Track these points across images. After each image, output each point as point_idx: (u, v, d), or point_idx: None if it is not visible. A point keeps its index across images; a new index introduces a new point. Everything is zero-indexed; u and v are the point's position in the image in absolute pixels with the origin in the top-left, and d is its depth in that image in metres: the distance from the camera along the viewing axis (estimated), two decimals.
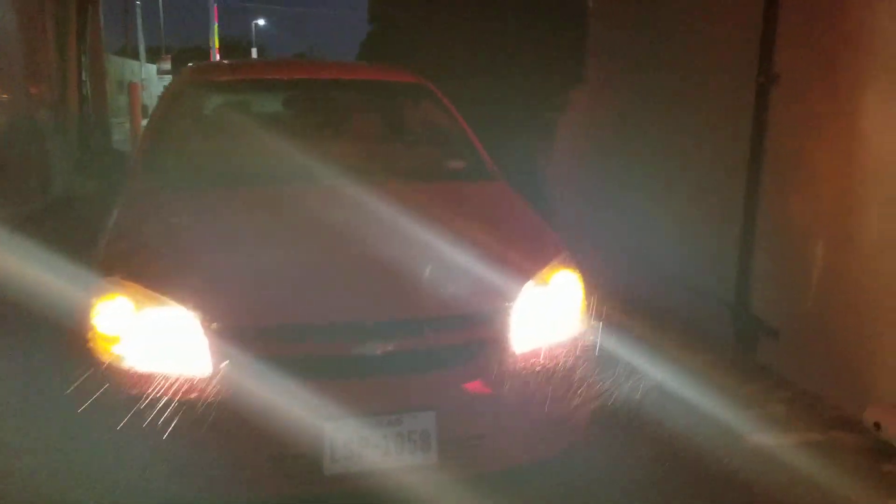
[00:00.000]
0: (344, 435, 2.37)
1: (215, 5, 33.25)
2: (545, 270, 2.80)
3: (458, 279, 2.62)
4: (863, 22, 3.35)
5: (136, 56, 29.39)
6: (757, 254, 4.08)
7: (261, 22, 54.57)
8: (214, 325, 2.40)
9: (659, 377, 3.37)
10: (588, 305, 2.90)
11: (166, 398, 2.32)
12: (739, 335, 4.18)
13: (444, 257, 2.69)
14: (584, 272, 2.87)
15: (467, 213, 3.20)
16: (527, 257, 2.83)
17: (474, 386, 2.52)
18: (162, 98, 3.98)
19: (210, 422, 2.34)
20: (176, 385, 2.36)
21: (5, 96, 7.42)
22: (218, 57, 31.86)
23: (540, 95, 6.37)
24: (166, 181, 3.29)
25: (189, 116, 3.90)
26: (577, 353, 2.74)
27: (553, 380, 2.64)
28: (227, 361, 2.39)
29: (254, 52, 47.53)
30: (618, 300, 4.49)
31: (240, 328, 2.42)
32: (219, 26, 34.31)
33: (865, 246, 3.35)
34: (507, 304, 2.63)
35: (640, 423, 3.15)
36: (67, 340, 2.50)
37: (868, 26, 3.32)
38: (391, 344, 2.45)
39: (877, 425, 3.11)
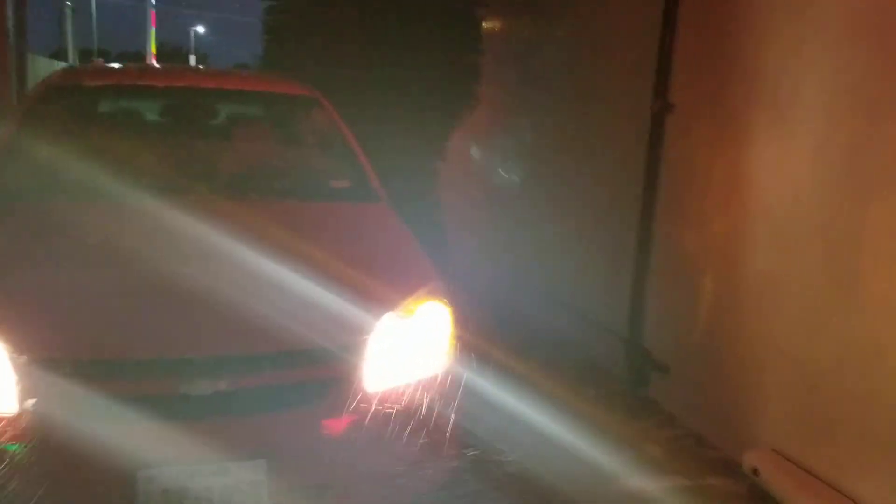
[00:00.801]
0: (160, 485, 2.11)
1: (153, 11, 32.44)
2: (409, 301, 2.60)
3: (307, 310, 2.40)
4: (752, 51, 3.28)
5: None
6: (649, 287, 3.98)
7: (200, 29, 53.28)
8: (22, 357, 2.12)
9: (536, 418, 3.19)
10: (462, 340, 2.72)
11: None
12: (632, 370, 4.07)
13: (297, 286, 2.46)
14: (471, 302, 2.69)
15: (337, 236, 2.98)
16: (391, 287, 2.63)
17: (316, 430, 2.30)
18: (22, 101, 3.66)
19: (12, 466, 2.07)
20: None
21: None
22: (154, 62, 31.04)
23: (437, 117, 6.23)
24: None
25: (50, 121, 3.58)
26: (442, 392, 2.55)
27: (411, 422, 2.44)
28: (34, 399, 2.12)
29: (191, 60, 46.54)
30: (511, 332, 4.40)
31: (51, 361, 2.14)
32: (159, 32, 33.47)
33: (751, 283, 3.27)
34: (360, 338, 2.42)
35: (507, 467, 2.96)
36: None
37: (755, 56, 3.26)
38: (221, 383, 2.21)
39: (755, 471, 3.00)
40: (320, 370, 2.35)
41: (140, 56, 35.46)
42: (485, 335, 3.85)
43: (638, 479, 3.01)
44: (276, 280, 2.45)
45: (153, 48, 32.69)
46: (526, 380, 3.50)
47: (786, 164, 3.10)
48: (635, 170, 3.97)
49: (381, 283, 2.62)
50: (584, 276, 4.66)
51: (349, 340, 2.40)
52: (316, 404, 2.30)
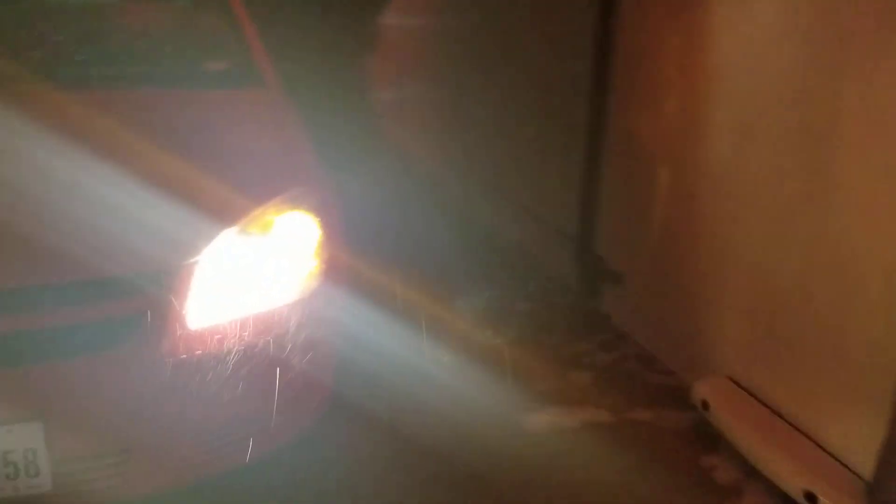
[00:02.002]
0: None
1: None
2: (259, 213, 2.06)
3: (120, 229, 1.86)
4: None
5: None
6: (603, 183, 3.40)
7: None
8: None
9: (449, 347, 2.68)
10: (341, 258, 2.20)
11: None
12: (582, 279, 3.54)
13: (115, 197, 1.91)
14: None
15: (190, 133, 2.38)
16: (240, 195, 2.07)
17: (111, 382, 1.80)
18: None
19: None
20: None
21: None
22: None
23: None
24: None
25: None
26: (299, 322, 2.04)
27: (250, 364, 1.94)
28: None
29: None
30: (442, 238, 3.89)
31: None
32: None
33: (711, 179, 2.68)
34: (183, 261, 1.89)
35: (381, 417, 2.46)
36: None
37: None
38: None
39: (704, 404, 2.51)
40: (122, 304, 1.83)
41: None
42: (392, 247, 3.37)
43: (557, 413, 2.52)
44: (88, 191, 1.92)
45: None
46: (443, 299, 2.99)
47: (751, 33, 2.46)
48: (584, 45, 3.31)
49: (227, 191, 2.07)
50: (532, 170, 4.07)
51: (167, 265, 1.88)
52: (113, 349, 1.79)
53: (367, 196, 3.86)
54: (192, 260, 1.90)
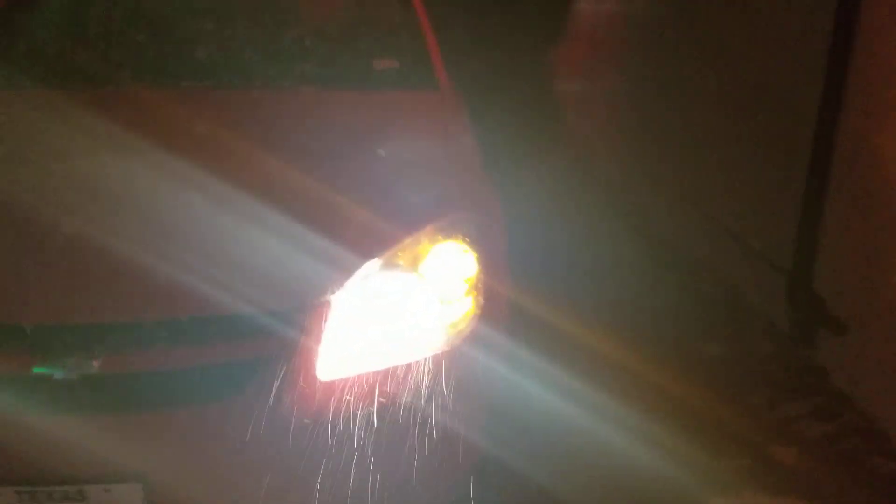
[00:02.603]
0: None
1: None
2: (409, 243, 1.74)
3: (238, 256, 1.63)
4: None
5: None
6: (829, 204, 2.78)
7: None
8: None
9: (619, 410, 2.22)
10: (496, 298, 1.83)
11: None
12: (794, 319, 2.94)
13: (237, 219, 1.69)
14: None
15: (344, 142, 2.11)
16: (390, 219, 1.77)
17: (223, 438, 1.54)
18: None
19: None
20: None
21: None
22: None
23: None
24: None
25: None
26: (450, 375, 1.70)
27: (389, 426, 1.63)
28: None
29: None
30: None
31: None
32: None
33: None
34: (314, 299, 1.61)
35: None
36: None
37: None
38: (87, 362, 1.50)
39: None
40: (240, 347, 1.57)
41: None
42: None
43: (752, 500, 2.01)
44: (208, 211, 1.70)
45: None
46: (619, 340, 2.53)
47: None
48: (815, 36, 2.71)
49: (373, 215, 1.77)
50: (737, 182, 3.47)
51: (296, 303, 1.60)
52: (227, 399, 1.54)
53: (540, 213, 3.46)
54: (325, 298, 1.61)
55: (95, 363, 1.50)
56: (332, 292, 1.62)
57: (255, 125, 2.10)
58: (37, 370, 1.50)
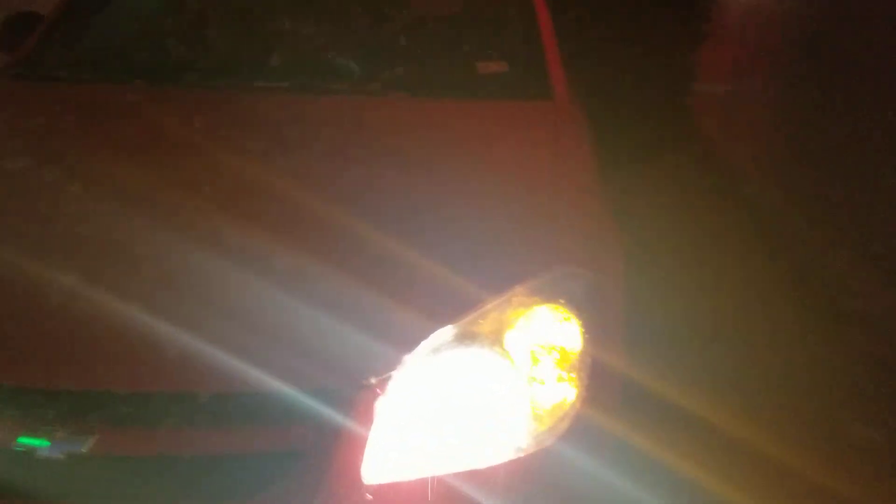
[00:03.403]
0: None
1: None
2: (493, 307, 1.34)
3: (268, 317, 1.28)
4: None
5: None
6: None
7: None
8: None
9: None
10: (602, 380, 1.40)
11: None
12: None
13: (269, 268, 1.34)
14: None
15: (424, 171, 1.72)
16: (471, 274, 1.37)
17: None
18: None
19: None
20: None
21: None
22: None
23: None
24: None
25: None
26: (538, 484, 1.30)
27: None
28: None
29: None
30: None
31: None
32: None
33: None
34: (365, 378, 1.24)
35: None
36: None
37: None
38: (84, 439, 1.18)
39: None
40: (267, 435, 1.23)
41: None
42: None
43: None
44: (247, 256, 1.37)
45: None
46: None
47: None
48: None
49: (449, 268, 1.38)
50: None
51: (341, 381, 1.24)
52: (247, 500, 1.19)
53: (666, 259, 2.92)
54: (378, 377, 1.24)
55: (91, 439, 1.19)
56: (388, 370, 1.24)
57: (313, 140, 1.77)
58: (22, 440, 1.20)
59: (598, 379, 1.38)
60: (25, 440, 1.18)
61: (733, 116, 4.79)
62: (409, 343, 1.26)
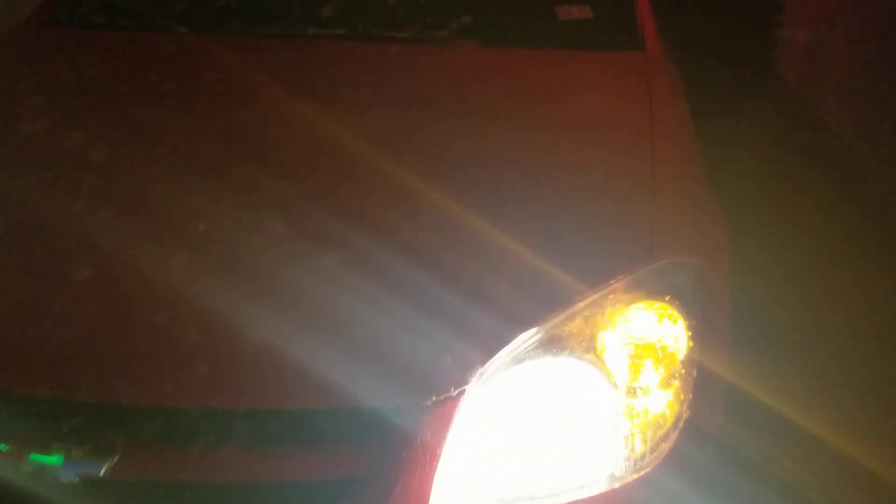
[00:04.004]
0: None
1: None
2: (585, 307, 1.12)
3: (319, 321, 1.08)
4: None
5: None
6: None
7: None
8: None
9: None
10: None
11: None
12: None
13: (319, 265, 1.14)
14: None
15: (495, 130, 1.49)
16: (556, 268, 1.14)
17: None
18: None
19: None
20: None
21: None
22: None
23: None
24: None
25: None
26: None
27: None
28: None
29: None
30: None
31: None
32: None
33: None
34: (434, 394, 1.04)
35: None
36: None
37: None
38: (98, 462, 1.01)
39: None
40: (317, 458, 1.04)
41: None
42: None
43: None
44: (299, 249, 1.17)
45: None
46: None
47: None
48: None
49: (532, 260, 1.15)
50: None
51: (407, 398, 1.04)
52: None
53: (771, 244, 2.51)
54: (450, 391, 1.04)
55: (111, 459, 1.02)
56: (461, 383, 1.04)
57: (373, 101, 1.53)
58: (34, 458, 1.04)
59: (703, 391, 1.15)
60: (36, 458, 1.02)
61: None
62: (487, 351, 1.05)
